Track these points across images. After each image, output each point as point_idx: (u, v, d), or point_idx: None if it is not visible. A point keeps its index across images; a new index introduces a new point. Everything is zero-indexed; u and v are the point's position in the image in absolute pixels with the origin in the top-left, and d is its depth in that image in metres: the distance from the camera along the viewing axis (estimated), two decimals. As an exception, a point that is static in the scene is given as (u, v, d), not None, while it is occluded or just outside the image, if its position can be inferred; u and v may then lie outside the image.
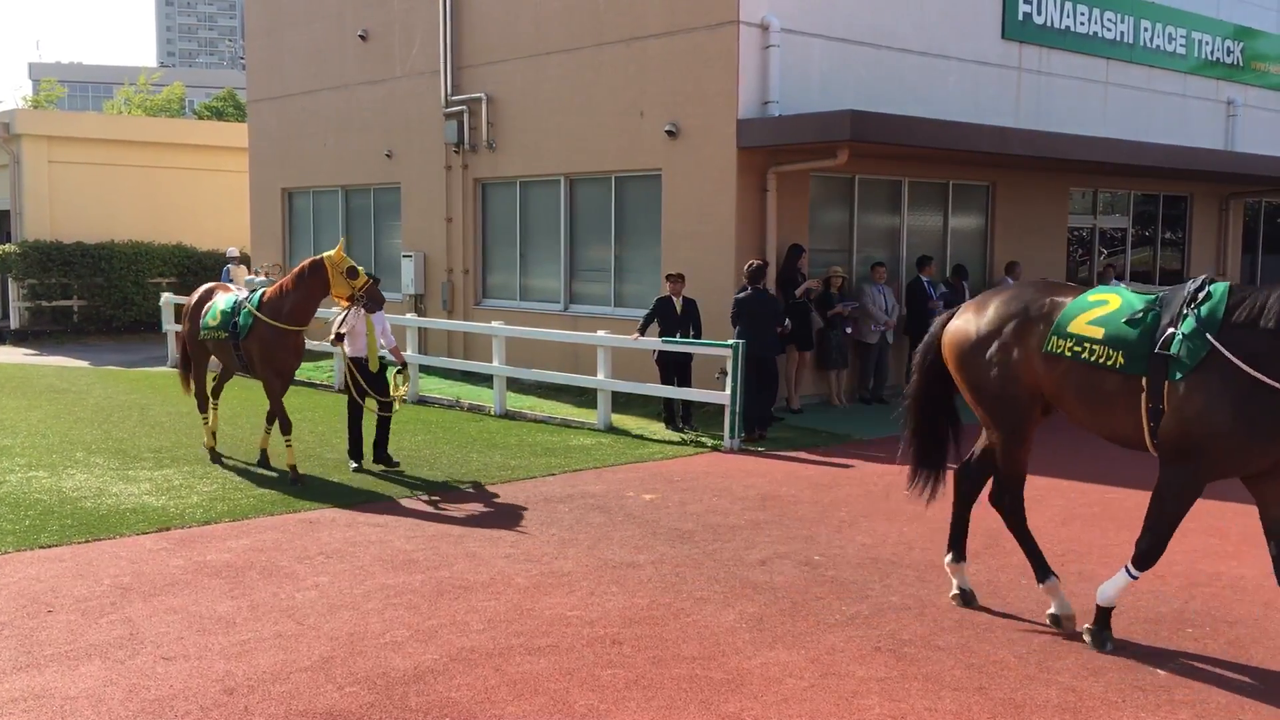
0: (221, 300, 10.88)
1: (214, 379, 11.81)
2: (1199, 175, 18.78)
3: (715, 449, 11.89)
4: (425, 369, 16.76)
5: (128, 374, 19.02)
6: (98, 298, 25.16)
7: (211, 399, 11.56)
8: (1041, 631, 6.38)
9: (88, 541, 8.13)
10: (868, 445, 12.15)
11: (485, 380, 15.60)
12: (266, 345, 10.35)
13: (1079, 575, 7.41)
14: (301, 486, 9.90)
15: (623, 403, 13.97)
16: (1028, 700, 5.40)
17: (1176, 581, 7.32)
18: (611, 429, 13.00)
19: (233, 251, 23.13)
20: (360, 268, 10.53)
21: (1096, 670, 5.78)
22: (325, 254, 10.48)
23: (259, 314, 10.36)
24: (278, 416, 10.49)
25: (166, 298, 20.40)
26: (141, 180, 26.98)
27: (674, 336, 12.78)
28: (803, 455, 11.60)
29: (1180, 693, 5.51)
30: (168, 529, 8.48)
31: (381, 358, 10.94)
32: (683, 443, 12.19)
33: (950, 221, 16.47)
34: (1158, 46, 18.77)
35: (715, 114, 13.82)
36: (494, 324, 14.78)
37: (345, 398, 11.09)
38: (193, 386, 11.51)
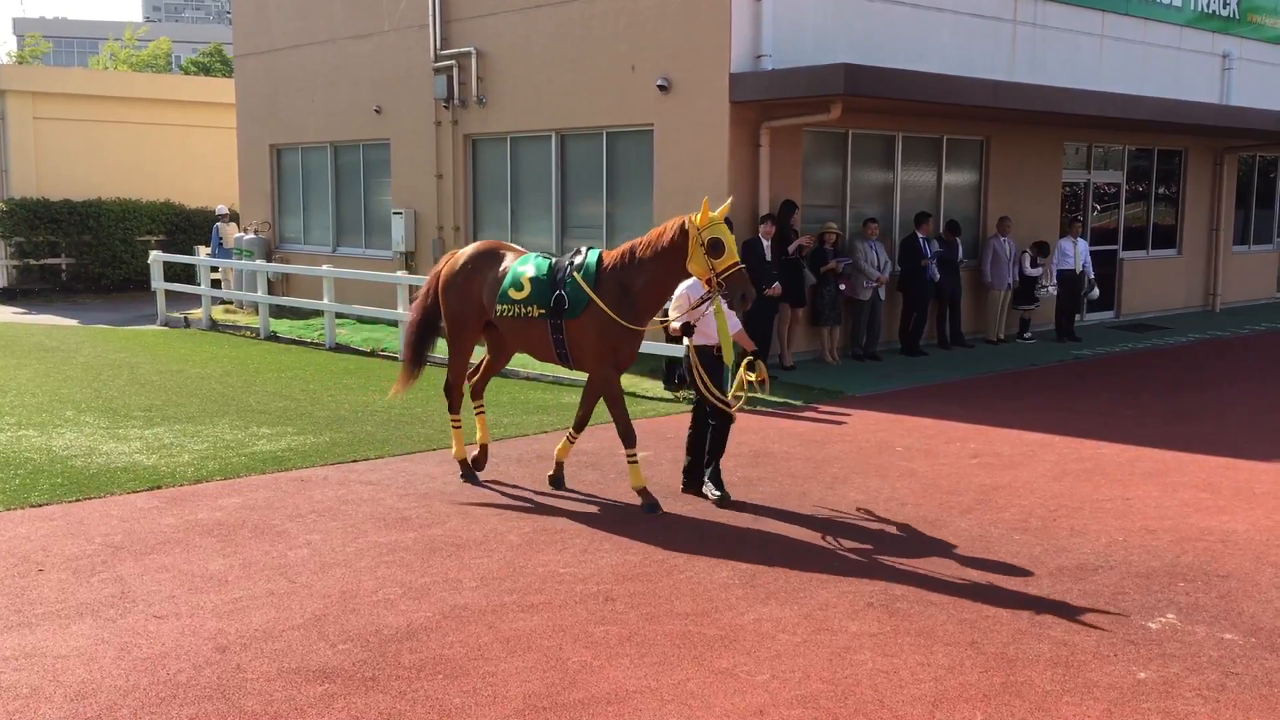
0: (523, 264, 8.26)
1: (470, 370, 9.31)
2: (1194, 129, 18.67)
3: (708, 406, 11.87)
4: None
5: (117, 332, 18.94)
6: (86, 256, 25.01)
7: (474, 399, 9.03)
8: (1033, 586, 6.39)
9: (78, 500, 8.10)
10: (860, 401, 12.14)
11: (477, 338, 15.53)
12: (608, 329, 7.85)
13: (1070, 531, 7.43)
14: (660, 514, 7.78)
15: (615, 360, 13.92)
16: (1020, 654, 5.42)
17: (1168, 536, 7.34)
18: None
19: (222, 209, 22.97)
20: (729, 240, 7.54)
21: (1088, 624, 5.80)
22: (690, 216, 7.67)
23: (596, 292, 7.86)
24: (620, 426, 8.00)
25: (155, 255, 20.28)
26: (129, 137, 26.74)
27: None
28: (795, 412, 11.59)
29: (1172, 646, 5.53)
30: (159, 487, 8.45)
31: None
32: (676, 400, 12.17)
33: (944, 177, 16.38)
34: (1154, -1, 18.62)
35: (707, 68, 13.68)
36: (485, 281, 14.69)
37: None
38: (414, 379, 9.09)
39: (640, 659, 5.36)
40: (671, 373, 12.87)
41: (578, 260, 8.04)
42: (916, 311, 15.33)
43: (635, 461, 7.99)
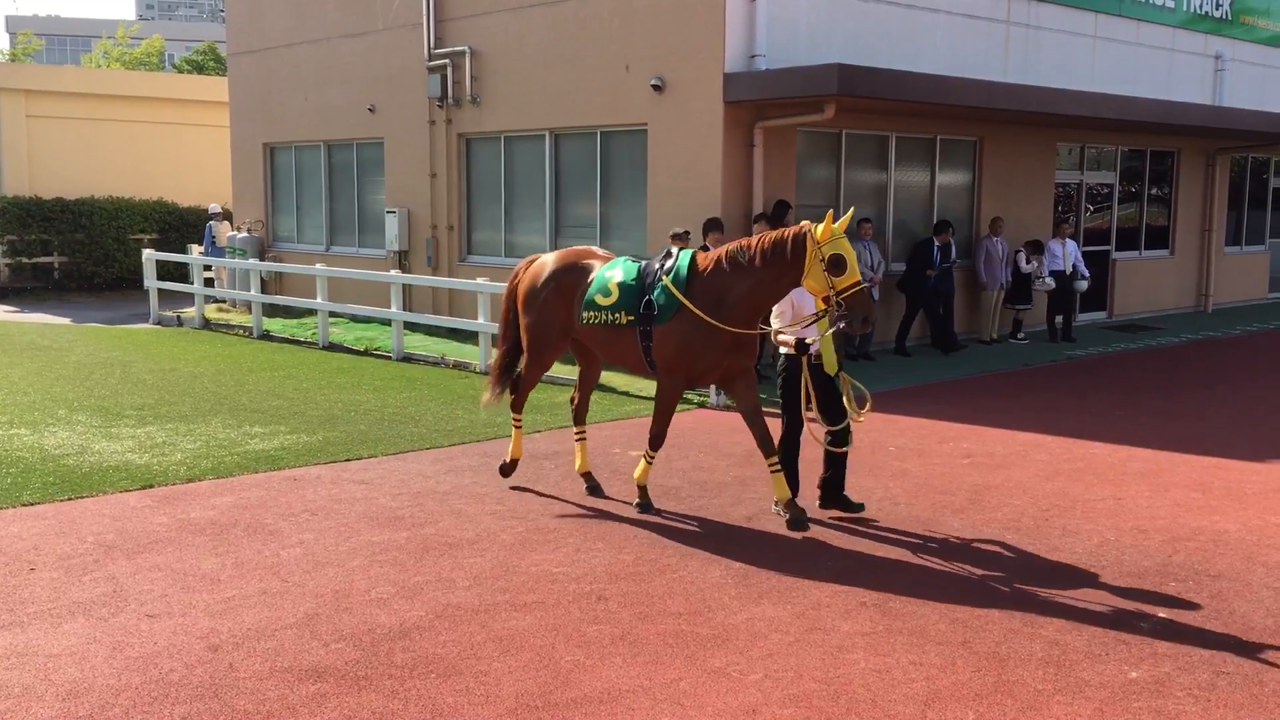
0: (611, 269, 7.78)
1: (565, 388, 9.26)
2: (1186, 130, 18.71)
3: (701, 405, 11.87)
4: (410, 326, 16.69)
5: (110, 331, 18.90)
6: (79, 254, 24.96)
7: (576, 424, 8.58)
8: (1025, 586, 6.41)
9: (70, 499, 8.08)
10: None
11: (470, 337, 15.54)
12: (694, 339, 7.35)
13: (1063, 530, 7.44)
14: (655, 513, 7.75)
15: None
16: (1011, 654, 5.43)
17: (1159, 536, 7.36)
18: (597, 386, 12.94)
19: (215, 208, 22.92)
20: (851, 257, 6.94)
21: (1080, 624, 5.81)
22: (813, 226, 7.05)
23: (688, 296, 7.36)
24: (654, 434, 7.75)
25: (148, 254, 20.24)
26: (122, 135, 26.67)
27: None
28: (788, 411, 11.59)
29: (1163, 646, 5.55)
30: (151, 486, 8.44)
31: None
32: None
33: (937, 177, 16.40)
34: (1146, 0, 18.64)
35: (701, 68, 13.69)
36: (479, 281, 14.70)
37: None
38: (505, 394, 8.66)
39: (633, 658, 5.36)
40: None
41: (669, 263, 7.54)
42: (926, 312, 15.40)
43: (650, 462, 7.85)
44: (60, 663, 5.28)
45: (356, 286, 17.95)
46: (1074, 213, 18.79)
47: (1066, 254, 17.05)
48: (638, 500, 7.84)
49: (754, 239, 7.29)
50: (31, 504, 7.96)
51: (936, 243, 15.24)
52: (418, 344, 16.11)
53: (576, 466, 8.48)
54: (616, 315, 7.63)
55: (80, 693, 4.97)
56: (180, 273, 22.53)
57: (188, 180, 26.94)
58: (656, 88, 14.13)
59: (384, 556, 6.82)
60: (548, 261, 8.22)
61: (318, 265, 17.60)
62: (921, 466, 9.24)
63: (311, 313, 18.08)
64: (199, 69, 48.38)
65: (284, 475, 8.83)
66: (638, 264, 7.74)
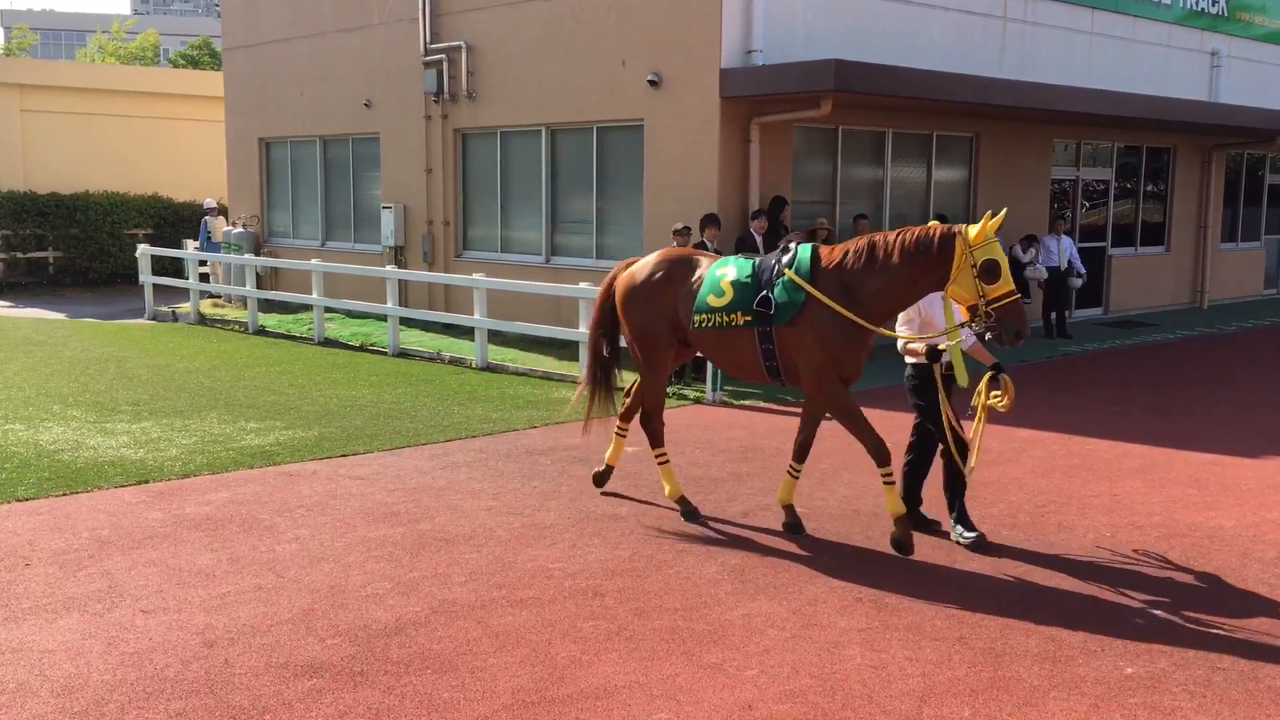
0: (721, 267, 7.25)
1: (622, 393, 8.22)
2: (1182, 127, 18.73)
3: (698, 402, 11.87)
4: (406, 322, 16.67)
5: (104, 326, 18.87)
6: (73, 249, 24.92)
7: (622, 420, 8.14)
8: (1021, 582, 6.41)
9: (65, 494, 8.07)
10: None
11: (466, 333, 15.53)
12: (831, 334, 6.79)
13: (1058, 526, 7.45)
14: (909, 551, 6.83)
15: (604, 355, 13.91)
16: (1007, 649, 5.44)
17: (1155, 532, 7.37)
18: (593, 381, 12.94)
19: (210, 203, 22.90)
20: (1004, 262, 6.47)
21: (1075, 620, 5.82)
22: (963, 227, 6.58)
23: (816, 289, 6.80)
24: (870, 445, 6.89)
25: (143, 249, 20.20)
26: (116, 130, 26.62)
27: None
28: (785, 407, 11.60)
29: (1159, 641, 5.55)
30: (146, 482, 8.42)
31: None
32: (665, 395, 12.14)
33: (934, 173, 16.41)
34: (1143, -4, 18.68)
35: (698, 63, 13.67)
36: (475, 276, 14.68)
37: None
38: (609, 404, 8.09)
39: (629, 654, 5.36)
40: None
41: (786, 258, 6.97)
42: None
43: (892, 483, 6.89)
44: (55, 658, 5.27)
45: (352, 282, 17.93)
46: (1070, 209, 18.80)
47: (1061, 250, 17.06)
48: (895, 533, 6.86)
49: (891, 234, 6.72)
50: (26, 499, 7.94)
51: None
52: (414, 340, 16.09)
53: (607, 455, 8.15)
54: (732, 316, 7.01)
55: (75, 688, 4.96)
56: (175, 268, 22.49)
57: (183, 175, 26.89)
58: (653, 83, 14.11)
59: (380, 552, 6.81)
60: (649, 259, 7.69)
61: (313, 261, 17.58)
62: (917, 462, 9.22)
63: (307, 308, 18.05)
64: (194, 64, 48.29)
65: (279, 471, 8.82)
66: (751, 261, 7.19)
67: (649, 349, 7.61)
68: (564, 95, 15.36)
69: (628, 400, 8.08)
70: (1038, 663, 5.29)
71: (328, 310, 17.37)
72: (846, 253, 6.80)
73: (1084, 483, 8.61)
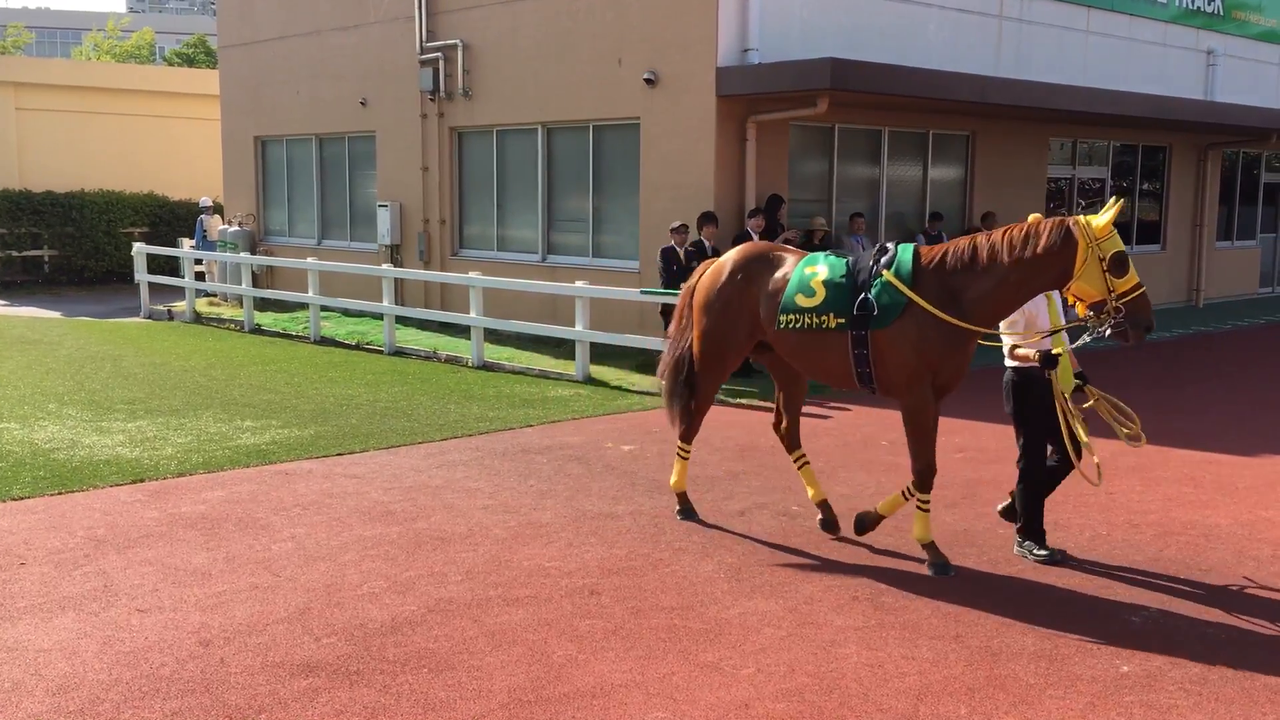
0: (811, 265, 6.82)
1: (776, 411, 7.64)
2: (1178, 125, 18.75)
3: (693, 400, 11.87)
4: (402, 320, 16.66)
5: (100, 325, 18.84)
6: (69, 248, 24.88)
7: (791, 450, 7.56)
8: (1017, 581, 6.41)
9: (61, 493, 8.05)
10: (845, 396, 12.15)
11: (463, 331, 15.52)
12: (928, 341, 6.39)
13: (1054, 525, 7.45)
14: (950, 573, 6.50)
15: (601, 354, 13.93)
16: (1004, 648, 5.44)
17: (1151, 530, 7.37)
18: (590, 380, 12.96)
19: (206, 201, 22.86)
20: (1126, 252, 6.06)
21: (1071, 618, 5.82)
22: (1083, 217, 6.14)
23: (916, 293, 6.39)
24: (921, 465, 6.56)
25: (138, 248, 20.17)
26: (112, 128, 26.58)
27: (678, 288, 12.57)
28: (781, 406, 11.59)
29: (1155, 640, 5.55)
30: (142, 481, 8.41)
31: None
32: (660, 394, 12.15)
33: (930, 172, 16.41)
34: (1139, -5, 18.70)
35: (694, 62, 13.67)
36: (471, 275, 14.67)
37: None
38: (685, 419, 7.56)
39: (626, 653, 5.35)
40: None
41: (885, 258, 6.58)
42: None
43: (926, 510, 6.58)
44: (50, 658, 5.26)
45: (348, 280, 17.92)
46: (1066, 207, 18.81)
47: None
48: (930, 560, 6.57)
49: (997, 231, 6.34)
50: (21, 498, 7.92)
51: (931, 234, 15.24)
52: (410, 338, 16.08)
53: (810, 496, 7.37)
54: (823, 318, 6.58)
55: (70, 688, 4.95)
56: (171, 267, 22.48)
57: (178, 174, 26.85)
58: (649, 81, 14.10)
59: (376, 551, 6.80)
60: (730, 256, 7.25)
61: (309, 259, 17.56)
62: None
63: (303, 307, 18.03)
64: (189, 62, 48.22)
65: (275, 470, 8.81)
66: (844, 260, 6.77)
67: (720, 352, 7.20)
68: (560, 94, 15.35)
69: (783, 428, 7.52)
70: (1034, 661, 5.29)
71: (324, 309, 17.35)
72: (947, 253, 6.42)
73: (1080, 481, 8.60)
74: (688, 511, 7.57)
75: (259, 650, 5.35)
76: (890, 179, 15.91)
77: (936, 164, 16.55)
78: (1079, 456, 6.54)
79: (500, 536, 7.12)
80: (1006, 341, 6.65)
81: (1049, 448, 6.79)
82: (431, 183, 17.48)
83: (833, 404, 11.69)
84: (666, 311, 12.74)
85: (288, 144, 20.59)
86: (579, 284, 13.44)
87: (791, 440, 7.51)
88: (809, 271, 6.76)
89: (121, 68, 32.67)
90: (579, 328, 13.21)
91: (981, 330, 6.38)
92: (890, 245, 6.70)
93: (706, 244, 12.74)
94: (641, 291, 12.92)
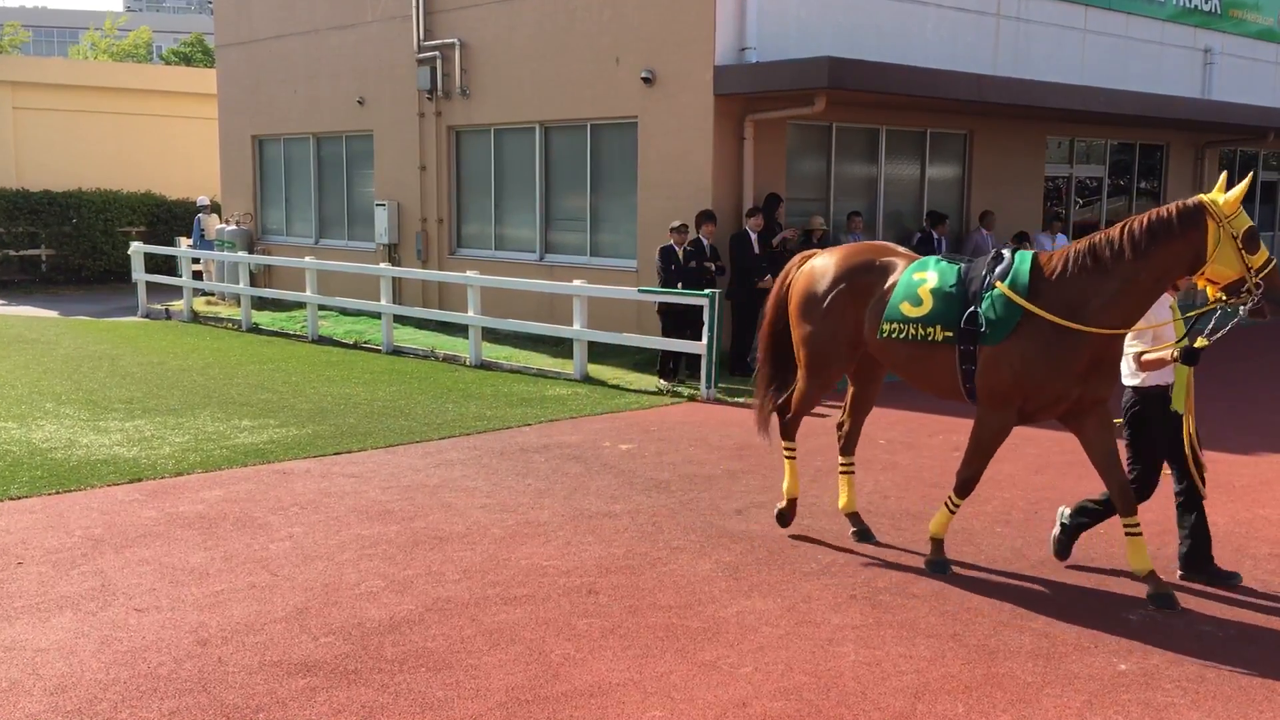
0: (920, 270, 6.42)
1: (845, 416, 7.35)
2: (1175, 124, 18.76)
3: (692, 399, 11.87)
4: (400, 319, 16.65)
5: (97, 324, 18.83)
6: (66, 247, 24.85)
7: (844, 455, 7.28)
8: (1015, 579, 6.41)
9: (58, 493, 8.05)
10: (843, 395, 12.14)
11: (460, 330, 15.51)
12: (1041, 363, 5.98)
13: (1052, 523, 7.45)
14: (947, 572, 6.44)
15: (599, 353, 13.92)
16: (1001, 646, 5.44)
17: (1148, 530, 7.36)
18: (588, 379, 12.96)
19: (203, 200, 22.84)
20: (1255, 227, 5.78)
21: (1069, 616, 5.82)
22: (1207, 196, 5.83)
23: (1036, 305, 5.97)
24: (970, 476, 6.43)
25: (136, 247, 20.15)
26: (109, 127, 26.56)
27: (676, 286, 12.57)
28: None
29: (1152, 638, 5.56)
30: (139, 480, 8.40)
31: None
32: (659, 392, 12.17)
33: (927, 170, 16.41)
34: (1136, -7, 18.70)
35: (692, 61, 13.66)
36: (469, 274, 14.66)
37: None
38: (776, 420, 7.33)
39: (624, 651, 5.35)
40: (667, 365, 12.76)
41: (1000, 267, 6.14)
42: None
43: (954, 511, 6.46)
44: (48, 657, 5.26)
45: (346, 280, 17.91)
46: (1063, 206, 18.82)
47: (1056, 246, 17.07)
48: (930, 556, 6.55)
49: (1113, 228, 5.95)
50: (19, 498, 7.92)
51: (936, 235, 15.23)
52: (407, 337, 16.07)
53: (841, 505, 7.20)
54: (930, 330, 6.21)
55: (68, 687, 4.95)
56: (169, 266, 22.47)
57: (176, 173, 26.84)
58: (647, 80, 14.10)
59: (374, 550, 6.80)
60: (832, 258, 6.81)
61: (307, 258, 17.55)
62: (912, 459, 9.25)
63: (301, 306, 18.02)
64: (187, 61, 48.19)
65: (273, 469, 8.81)
66: (956, 266, 6.35)
67: (821, 361, 6.81)
68: (558, 92, 15.34)
69: (844, 430, 7.23)
70: (1031, 659, 5.30)
71: (321, 308, 17.34)
72: (1066, 260, 6.00)
73: (1078, 479, 8.62)
74: (783, 515, 7.18)
75: (257, 649, 5.35)
76: (888, 178, 15.91)
77: (934, 163, 16.55)
78: (1202, 480, 6.27)
79: (498, 535, 7.12)
80: (1128, 353, 6.20)
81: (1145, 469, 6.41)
82: (429, 182, 17.47)
83: (830, 402, 11.68)
84: (664, 311, 12.75)
85: (285, 143, 20.58)
86: (577, 283, 13.44)
87: (849, 444, 7.25)
88: (917, 278, 6.37)
89: (119, 67, 32.63)
90: (577, 326, 13.20)
91: (1117, 332, 5.91)
92: (1006, 252, 6.26)
93: (705, 242, 12.74)
94: (639, 290, 12.91)
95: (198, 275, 20.83)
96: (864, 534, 7.06)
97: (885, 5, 15.04)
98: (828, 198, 15.20)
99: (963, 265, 6.38)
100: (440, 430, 10.24)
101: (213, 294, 20.90)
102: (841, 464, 7.24)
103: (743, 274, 13.01)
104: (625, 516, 7.55)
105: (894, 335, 6.39)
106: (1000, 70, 16.22)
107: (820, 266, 6.84)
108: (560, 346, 14.50)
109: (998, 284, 6.09)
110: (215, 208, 22.92)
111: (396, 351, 15.28)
